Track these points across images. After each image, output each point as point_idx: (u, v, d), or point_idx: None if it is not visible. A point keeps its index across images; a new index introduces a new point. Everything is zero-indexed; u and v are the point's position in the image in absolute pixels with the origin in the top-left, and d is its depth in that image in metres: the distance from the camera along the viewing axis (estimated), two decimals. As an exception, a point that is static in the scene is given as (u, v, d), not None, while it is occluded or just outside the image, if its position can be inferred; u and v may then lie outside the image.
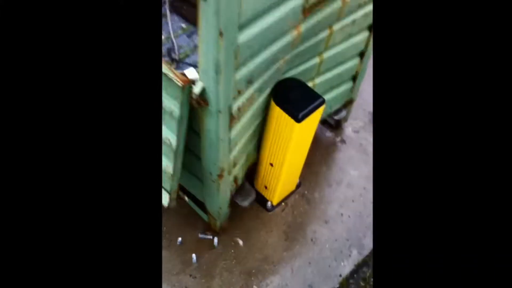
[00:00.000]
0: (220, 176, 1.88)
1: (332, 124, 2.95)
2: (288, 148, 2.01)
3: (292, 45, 1.71)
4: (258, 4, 1.36)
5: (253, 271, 2.33)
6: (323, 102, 1.90)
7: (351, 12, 1.94)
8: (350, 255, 2.43)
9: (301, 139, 2.04)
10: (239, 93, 1.60)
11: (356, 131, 2.98)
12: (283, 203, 2.59)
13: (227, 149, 1.77)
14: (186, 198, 2.36)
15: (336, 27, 1.92)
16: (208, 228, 2.42)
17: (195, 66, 1.94)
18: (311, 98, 1.89)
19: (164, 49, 2.02)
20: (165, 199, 1.85)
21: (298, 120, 1.84)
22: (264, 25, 1.44)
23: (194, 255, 2.33)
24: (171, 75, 1.46)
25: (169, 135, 1.66)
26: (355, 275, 2.38)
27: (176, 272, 2.29)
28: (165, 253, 2.34)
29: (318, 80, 2.20)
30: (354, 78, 2.54)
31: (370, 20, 2.11)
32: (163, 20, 2.12)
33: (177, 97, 1.51)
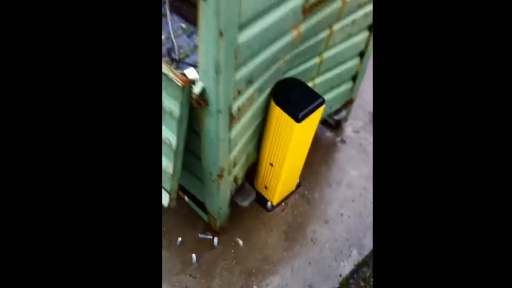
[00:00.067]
0: (220, 176, 1.88)
1: (332, 124, 2.95)
2: (288, 148, 2.01)
3: (292, 45, 1.71)
4: (258, 4, 1.36)
5: (253, 271, 2.33)
6: (323, 102, 1.90)
7: (351, 12, 1.94)
8: (350, 255, 2.43)
9: (301, 139, 2.04)
10: (239, 93, 1.60)
11: (356, 131, 2.98)
12: (283, 203, 2.59)
13: (227, 149, 1.77)
14: (186, 198, 2.36)
15: (336, 27, 1.92)
16: (208, 228, 2.43)
17: (195, 66, 1.94)
18: (311, 98, 1.89)
19: (164, 49, 2.02)
20: (165, 199, 1.85)
21: (298, 120, 1.84)
22: (264, 25, 1.44)
23: (194, 255, 2.33)
24: (171, 75, 1.46)
25: (169, 135, 1.66)
26: (355, 275, 2.38)
27: (176, 272, 2.29)
28: (165, 253, 2.34)
29: (318, 80, 2.20)
30: (354, 78, 2.54)
31: (370, 20, 2.11)
32: (163, 20, 2.12)
33: (177, 97, 1.51)
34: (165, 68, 1.48)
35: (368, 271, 2.40)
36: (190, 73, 1.76)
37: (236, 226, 2.46)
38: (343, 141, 2.93)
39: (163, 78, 1.50)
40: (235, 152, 1.90)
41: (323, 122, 2.94)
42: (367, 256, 2.45)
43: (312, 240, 2.47)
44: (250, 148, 2.16)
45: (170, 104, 1.56)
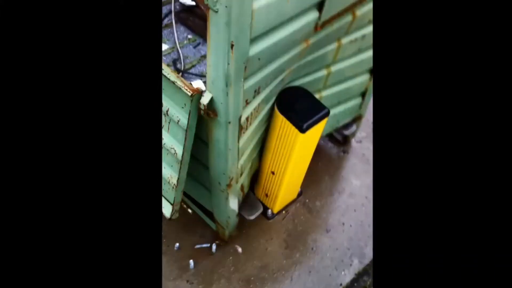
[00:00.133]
0: (229, 185, 1.87)
1: (339, 139, 2.93)
2: (290, 157, 2.00)
3: (300, 55, 1.70)
4: (270, 17, 1.35)
5: (252, 278, 2.32)
6: (327, 113, 1.89)
7: (361, 27, 1.93)
8: (351, 264, 2.43)
9: (304, 149, 2.03)
10: (247, 103, 1.59)
11: (359, 141, 2.99)
12: (283, 211, 2.59)
13: (236, 158, 1.77)
14: (190, 211, 2.35)
15: (344, 40, 1.92)
16: (204, 234, 2.42)
17: (201, 76, 1.93)
18: (316, 109, 1.88)
19: (169, 59, 2.01)
20: (168, 211, 1.82)
21: (303, 130, 1.82)
22: (276, 38, 1.44)
23: (191, 261, 2.31)
24: (179, 83, 1.45)
25: (175, 144, 1.64)
26: (355, 284, 2.38)
27: (173, 277, 2.28)
28: (162, 259, 2.33)
29: (325, 93, 2.18)
30: (363, 94, 2.52)
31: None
32: (169, 30, 2.11)
33: (185, 106, 1.49)
34: (173, 77, 1.47)
35: (368, 280, 2.40)
36: (197, 85, 1.75)
37: (236, 233, 2.44)
38: (345, 151, 2.93)
39: (171, 86, 1.49)
40: (242, 161, 1.89)
41: (330, 138, 2.93)
42: (368, 265, 2.45)
43: (312, 248, 2.46)
44: (255, 155, 2.15)
45: (177, 113, 1.54)
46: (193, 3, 2.11)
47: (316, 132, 1.95)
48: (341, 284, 2.35)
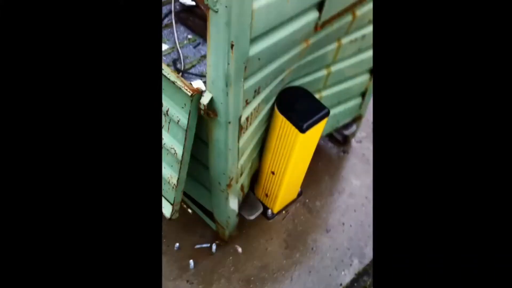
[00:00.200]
0: (229, 185, 1.87)
1: (339, 139, 2.93)
2: (290, 158, 2.00)
3: (300, 55, 1.70)
4: (270, 17, 1.35)
5: (252, 278, 2.31)
6: (327, 113, 1.89)
7: (361, 27, 1.93)
8: (351, 264, 2.42)
9: (304, 149, 2.03)
10: (247, 103, 1.59)
11: (359, 141, 2.98)
12: (283, 211, 2.59)
13: (236, 158, 1.77)
14: (190, 211, 2.34)
15: (344, 40, 1.92)
16: (204, 234, 2.41)
17: (201, 76, 1.93)
18: (316, 109, 1.88)
19: (169, 59, 2.00)
20: (168, 211, 1.82)
21: (303, 130, 1.82)
22: (276, 38, 1.44)
23: (191, 261, 2.31)
24: (179, 83, 1.44)
25: (175, 144, 1.64)
26: (355, 284, 2.37)
27: (173, 277, 2.28)
28: (162, 259, 2.32)
29: (325, 93, 2.18)
30: (363, 94, 2.52)
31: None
32: (169, 30, 2.10)
33: (185, 106, 1.49)
34: (173, 77, 1.47)
35: (368, 280, 2.40)
36: (197, 85, 1.75)
37: (236, 233, 2.44)
38: (345, 151, 2.93)
39: (171, 86, 1.49)
40: (242, 161, 1.89)
41: (330, 137, 2.93)
42: (368, 265, 2.45)
43: (312, 248, 2.46)
44: (255, 155, 2.15)
45: (177, 113, 1.54)
46: (193, 3, 2.11)
47: (316, 132, 1.95)
48: (341, 284, 2.35)
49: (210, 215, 2.29)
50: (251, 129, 1.79)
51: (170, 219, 1.84)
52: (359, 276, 2.40)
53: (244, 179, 2.11)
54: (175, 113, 1.55)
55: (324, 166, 2.82)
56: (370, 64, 2.25)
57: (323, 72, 2.02)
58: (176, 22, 2.13)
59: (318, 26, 1.61)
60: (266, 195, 2.40)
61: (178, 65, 1.98)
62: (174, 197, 1.77)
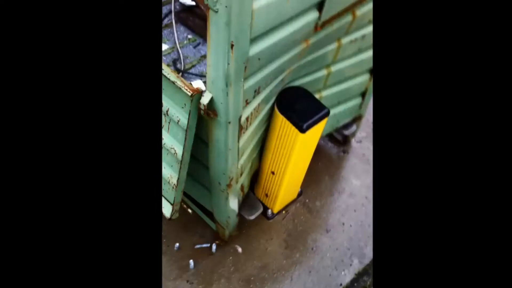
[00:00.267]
0: (229, 185, 1.87)
1: (339, 139, 2.93)
2: (290, 158, 2.00)
3: (300, 55, 1.70)
4: (270, 17, 1.35)
5: (252, 278, 2.31)
6: (327, 113, 1.89)
7: (361, 26, 1.93)
8: (351, 264, 2.42)
9: (304, 149, 2.03)
10: (247, 103, 1.59)
11: (359, 141, 2.98)
12: (283, 211, 2.59)
13: (236, 158, 1.77)
14: (190, 211, 2.34)
15: (344, 40, 1.92)
16: (204, 234, 2.41)
17: (201, 76, 1.93)
18: (316, 109, 1.88)
19: (169, 59, 2.00)
20: (168, 211, 1.82)
21: (303, 130, 1.82)
22: (276, 38, 1.44)
23: (191, 261, 2.31)
24: (179, 83, 1.44)
25: (175, 144, 1.64)
26: (355, 284, 2.37)
27: (173, 277, 2.28)
28: (162, 259, 2.32)
29: (325, 93, 2.18)
30: (363, 94, 2.52)
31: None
32: (169, 30, 2.10)
33: (185, 106, 1.49)
34: (173, 77, 1.47)
35: (368, 280, 2.40)
36: (197, 85, 1.75)
37: (236, 233, 2.45)
38: (345, 151, 2.93)
39: (171, 86, 1.49)
40: (242, 161, 1.89)
41: (330, 137, 2.93)
42: (368, 265, 2.45)
43: (312, 248, 2.46)
44: (255, 155, 2.15)
45: (177, 113, 1.54)
46: (193, 3, 2.11)
47: (316, 132, 1.95)
48: (341, 284, 2.35)
49: (210, 215, 2.29)
50: (251, 129, 1.79)
51: (170, 219, 1.84)
52: (359, 276, 2.40)
53: (244, 179, 2.11)
54: (175, 113, 1.55)
55: (324, 166, 2.82)
56: (370, 64, 2.25)
57: (323, 72, 2.02)
58: (176, 22, 2.13)
59: (318, 26, 1.61)
60: (266, 195, 2.40)
61: (178, 65, 1.98)
62: (174, 197, 1.77)
